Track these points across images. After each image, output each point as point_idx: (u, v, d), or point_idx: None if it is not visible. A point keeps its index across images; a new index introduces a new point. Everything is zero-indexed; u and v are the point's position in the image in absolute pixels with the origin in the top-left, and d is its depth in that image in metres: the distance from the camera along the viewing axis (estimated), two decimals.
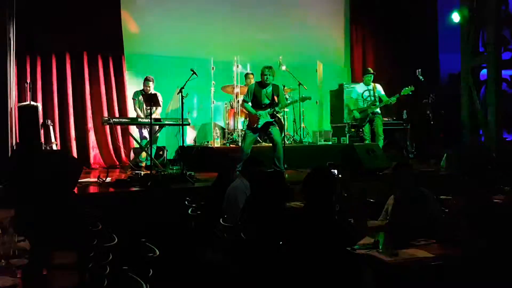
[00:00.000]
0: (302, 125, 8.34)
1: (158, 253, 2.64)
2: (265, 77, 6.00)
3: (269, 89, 6.11)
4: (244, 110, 6.38)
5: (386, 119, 8.56)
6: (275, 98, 6.14)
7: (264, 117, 6.08)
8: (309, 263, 2.63)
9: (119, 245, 3.00)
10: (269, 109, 6.09)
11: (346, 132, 8.20)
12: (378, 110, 7.35)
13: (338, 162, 5.42)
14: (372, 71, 7.53)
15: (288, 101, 6.79)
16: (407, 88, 7.08)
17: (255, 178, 3.37)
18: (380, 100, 7.30)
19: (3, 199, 4.53)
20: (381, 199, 4.40)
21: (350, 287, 2.72)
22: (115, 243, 3.09)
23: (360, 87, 7.53)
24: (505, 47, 8.24)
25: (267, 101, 6.11)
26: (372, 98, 7.32)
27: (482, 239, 2.80)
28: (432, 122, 8.13)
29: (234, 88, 7.88)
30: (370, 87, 7.39)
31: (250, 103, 6.19)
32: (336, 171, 3.64)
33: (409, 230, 3.35)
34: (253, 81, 7.29)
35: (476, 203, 3.10)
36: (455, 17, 8.32)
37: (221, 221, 3.62)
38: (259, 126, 6.06)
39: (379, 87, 7.42)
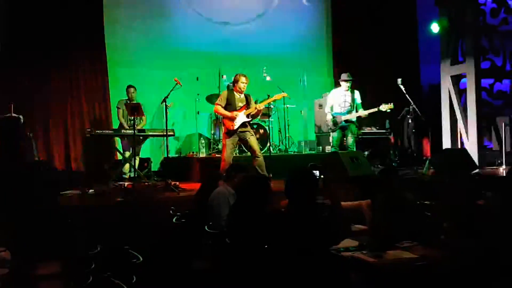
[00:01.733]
0: (287, 134, 8.39)
1: (141, 259, 2.61)
2: (243, 85, 6.03)
3: (242, 96, 6.15)
4: (218, 112, 6.29)
5: (369, 128, 8.67)
6: (248, 102, 6.15)
7: (239, 116, 6.06)
8: (295, 264, 2.63)
9: (103, 254, 2.95)
10: (244, 111, 6.09)
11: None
12: (353, 119, 7.10)
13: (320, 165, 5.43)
14: (350, 77, 7.21)
15: (269, 100, 6.69)
16: (386, 105, 6.97)
17: (239, 183, 3.36)
18: (356, 109, 7.11)
19: None
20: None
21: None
22: (98, 252, 3.05)
23: (336, 92, 7.26)
24: (484, 57, 8.42)
25: (240, 105, 6.12)
26: (348, 104, 7.10)
27: (467, 240, 2.84)
28: (414, 130, 8.22)
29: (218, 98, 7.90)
30: (347, 93, 7.14)
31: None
32: (318, 172, 3.67)
33: (392, 234, 3.38)
34: None
35: (460, 205, 3.15)
36: (434, 27, 8.49)
37: (206, 228, 3.61)
38: (236, 127, 6.03)
39: (357, 94, 7.20)
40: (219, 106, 6.10)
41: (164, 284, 3.31)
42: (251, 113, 6.10)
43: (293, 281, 2.65)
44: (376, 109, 7.06)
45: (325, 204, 2.92)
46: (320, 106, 8.51)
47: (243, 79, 6.05)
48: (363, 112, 7.07)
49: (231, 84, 6.36)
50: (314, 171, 3.64)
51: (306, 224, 2.61)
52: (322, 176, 3.70)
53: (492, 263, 2.43)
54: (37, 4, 7.35)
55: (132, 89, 7.33)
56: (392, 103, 7.01)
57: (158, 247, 3.86)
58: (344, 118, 7.04)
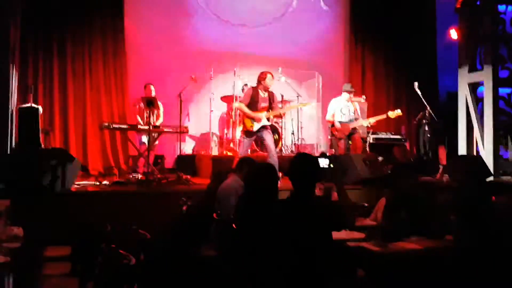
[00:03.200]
0: (301, 137, 8.40)
1: (149, 236, 2.67)
2: (270, 82, 6.11)
3: (266, 94, 6.20)
4: (240, 110, 6.37)
5: (384, 134, 8.63)
6: (272, 103, 6.21)
7: (261, 120, 6.11)
8: (300, 252, 2.64)
9: (112, 232, 3.02)
10: (265, 112, 6.14)
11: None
12: (365, 123, 7.28)
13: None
14: (352, 88, 7.36)
15: (287, 106, 6.79)
16: (394, 112, 7.02)
17: (248, 172, 3.40)
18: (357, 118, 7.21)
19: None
20: (374, 204, 4.46)
21: (343, 277, 2.73)
22: (109, 231, 3.11)
23: (339, 101, 7.30)
24: (503, 66, 8.34)
25: (263, 105, 6.18)
26: (352, 114, 7.19)
27: (473, 232, 2.82)
28: (429, 136, 8.16)
29: (233, 98, 7.98)
30: (349, 103, 7.26)
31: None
32: (327, 160, 3.69)
33: (400, 229, 3.38)
34: None
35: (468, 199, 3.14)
36: (453, 34, 8.44)
37: (214, 216, 3.66)
38: (255, 129, 6.08)
39: (357, 105, 7.35)
40: (243, 105, 6.15)
41: (170, 267, 3.35)
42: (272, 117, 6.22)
43: (298, 269, 2.67)
44: (384, 116, 7.08)
45: (329, 188, 2.94)
46: None
47: (269, 76, 6.11)
48: (371, 120, 7.12)
49: (251, 83, 6.40)
50: (324, 159, 3.66)
51: (309, 209, 2.62)
52: (331, 165, 3.71)
53: (494, 252, 2.42)
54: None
55: (150, 87, 7.44)
56: (399, 110, 7.05)
57: (167, 234, 3.90)
58: (351, 126, 7.11)
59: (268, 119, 6.17)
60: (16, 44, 6.04)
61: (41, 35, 7.60)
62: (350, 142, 7.16)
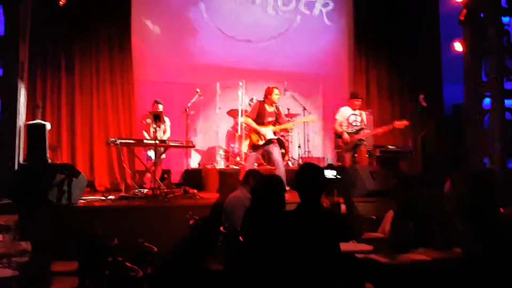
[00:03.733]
0: (307, 150, 8.41)
1: (156, 250, 2.67)
2: (277, 97, 6.15)
3: (273, 109, 6.25)
4: (247, 125, 6.43)
5: (390, 146, 8.60)
6: (278, 118, 6.25)
7: (267, 134, 6.15)
8: (307, 263, 2.63)
9: (120, 246, 3.02)
10: (272, 127, 6.19)
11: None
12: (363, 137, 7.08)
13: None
14: (360, 97, 7.28)
15: (293, 120, 6.82)
16: (400, 122, 6.96)
17: (255, 183, 3.40)
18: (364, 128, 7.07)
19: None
20: (382, 217, 4.45)
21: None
22: (116, 245, 3.12)
23: (346, 110, 7.16)
24: (508, 77, 8.33)
25: (270, 120, 6.22)
26: (359, 124, 7.07)
27: (481, 244, 2.80)
28: (435, 148, 8.12)
29: (239, 112, 8.02)
30: (357, 112, 7.12)
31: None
32: (335, 172, 3.69)
33: (409, 241, 3.36)
34: None
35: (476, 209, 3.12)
36: (457, 46, 8.46)
37: (221, 229, 3.65)
38: (261, 143, 6.12)
39: (364, 115, 7.22)
40: (250, 119, 6.23)
41: (178, 281, 3.34)
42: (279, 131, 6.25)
43: (306, 281, 2.65)
44: (391, 127, 7.06)
45: (337, 202, 2.94)
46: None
47: (275, 90, 6.21)
48: (377, 131, 7.08)
49: (263, 97, 6.42)
50: (331, 171, 3.66)
51: (316, 220, 2.61)
52: (339, 176, 3.72)
53: (502, 263, 2.40)
54: (68, 15, 7.62)
55: (158, 105, 7.46)
56: (406, 120, 7.00)
57: (174, 247, 3.90)
58: (357, 137, 6.98)
59: (274, 133, 6.21)
60: (25, 61, 6.13)
61: (50, 52, 7.73)
62: (355, 154, 7.10)
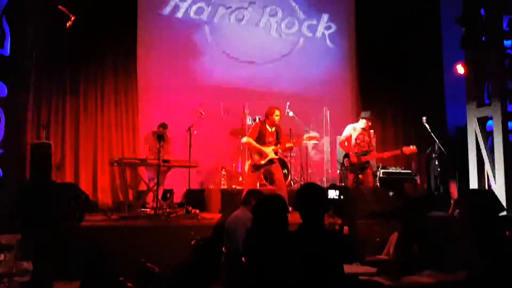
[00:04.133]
0: (310, 171, 8.39)
1: (157, 270, 2.65)
2: (277, 118, 6.19)
3: (274, 129, 6.29)
4: (248, 145, 6.44)
5: (394, 168, 8.57)
6: (279, 138, 6.28)
7: (269, 153, 6.16)
8: (312, 283, 2.60)
9: (121, 266, 3.00)
10: (273, 146, 6.20)
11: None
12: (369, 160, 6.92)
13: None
14: (371, 116, 7.00)
15: (293, 140, 6.82)
16: (409, 148, 6.87)
17: (256, 203, 3.38)
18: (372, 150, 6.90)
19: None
20: (387, 239, 4.40)
21: None
22: (117, 265, 3.10)
23: (354, 129, 6.95)
24: (511, 100, 8.35)
25: (271, 140, 6.25)
26: (367, 144, 6.87)
27: (487, 267, 2.77)
28: (439, 170, 8.09)
29: (242, 132, 8.05)
30: (366, 132, 6.94)
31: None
32: (337, 192, 3.67)
33: (413, 264, 3.32)
34: None
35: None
36: (460, 69, 8.51)
37: (223, 250, 3.63)
38: (263, 162, 6.13)
39: (372, 134, 7.08)
40: (250, 139, 6.25)
41: None
42: (280, 151, 6.26)
43: None
44: (399, 152, 7.00)
45: (338, 223, 2.92)
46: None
47: (276, 111, 6.25)
48: (384, 154, 7.04)
49: (264, 118, 6.45)
50: (334, 191, 3.65)
51: (318, 241, 2.59)
52: (342, 197, 3.69)
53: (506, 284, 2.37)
54: (74, 37, 7.72)
55: (165, 129, 7.49)
56: (415, 146, 6.93)
57: (176, 268, 3.86)
58: (364, 159, 6.83)
59: (276, 153, 6.22)
60: (30, 82, 6.20)
61: (55, 73, 7.82)
62: (360, 175, 7.04)
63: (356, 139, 6.85)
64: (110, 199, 7.86)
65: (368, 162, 6.90)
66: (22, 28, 5.84)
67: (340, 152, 8.73)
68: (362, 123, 6.95)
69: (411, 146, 6.94)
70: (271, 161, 6.18)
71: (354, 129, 6.96)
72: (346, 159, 6.84)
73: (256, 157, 6.18)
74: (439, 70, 10.22)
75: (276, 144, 6.26)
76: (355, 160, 6.76)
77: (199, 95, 8.71)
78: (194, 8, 9.11)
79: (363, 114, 7.10)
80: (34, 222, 4.45)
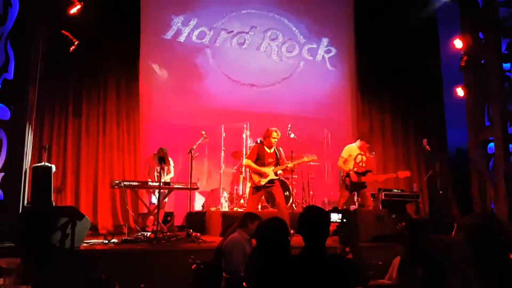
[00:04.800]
0: (311, 193, 8.37)
1: None
2: (274, 140, 6.20)
3: (273, 150, 6.30)
4: (248, 167, 6.45)
5: (396, 190, 8.53)
6: (279, 159, 6.28)
7: (269, 174, 6.15)
8: None
9: None
10: (273, 167, 6.20)
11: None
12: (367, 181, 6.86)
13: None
14: (368, 139, 7.12)
15: (292, 161, 6.79)
16: (404, 172, 6.93)
17: (258, 228, 3.36)
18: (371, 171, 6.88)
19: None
20: (389, 263, 4.36)
21: None
22: None
23: (353, 149, 6.97)
24: (511, 122, 8.36)
25: (270, 161, 6.25)
26: (365, 165, 6.86)
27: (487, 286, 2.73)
28: (441, 192, 8.06)
29: (243, 154, 8.06)
30: (363, 152, 6.92)
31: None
32: (340, 215, 3.64)
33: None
34: None
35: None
36: (459, 91, 8.56)
37: (224, 274, 3.59)
38: (263, 183, 6.11)
39: (370, 156, 7.08)
40: (250, 161, 6.26)
41: None
42: (280, 171, 6.25)
43: None
44: (394, 175, 7.02)
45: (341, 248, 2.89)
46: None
47: (274, 133, 6.26)
48: (380, 177, 7.04)
49: (262, 139, 6.49)
50: (337, 214, 3.62)
51: (321, 265, 2.56)
52: (344, 220, 3.67)
53: None
54: (77, 60, 7.81)
55: (163, 150, 7.51)
56: (409, 171, 7.01)
57: None
58: (363, 179, 6.80)
59: (276, 174, 6.21)
60: (33, 104, 6.24)
61: (58, 95, 7.88)
62: (358, 197, 6.99)
63: (355, 159, 6.86)
64: (110, 222, 7.81)
65: (365, 182, 6.85)
66: (26, 52, 5.91)
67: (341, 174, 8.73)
68: (358, 143, 7.00)
69: (406, 171, 7.01)
70: (271, 182, 6.17)
71: (353, 149, 6.99)
72: (348, 178, 6.79)
73: (255, 178, 6.17)
74: (439, 91, 10.29)
75: (276, 165, 6.26)
76: (356, 179, 6.74)
77: (200, 117, 8.76)
78: (196, 32, 9.24)
79: (362, 137, 7.20)
80: (34, 246, 4.42)
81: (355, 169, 6.78)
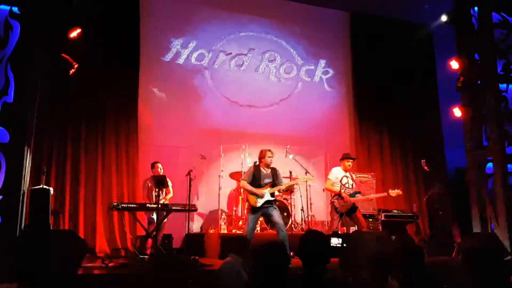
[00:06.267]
0: (311, 213, 8.33)
1: None
2: (270, 159, 6.22)
3: (269, 170, 6.30)
4: (243, 188, 6.46)
5: (396, 211, 8.51)
6: (275, 179, 6.27)
7: (265, 195, 6.14)
8: None
9: None
10: (269, 188, 6.19)
11: None
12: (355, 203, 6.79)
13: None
14: (352, 157, 7.08)
15: (290, 182, 6.79)
16: (394, 191, 6.90)
17: (254, 253, 3.33)
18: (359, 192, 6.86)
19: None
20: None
21: None
22: None
23: (339, 171, 6.92)
24: (509, 142, 8.39)
25: (267, 181, 6.24)
26: (351, 186, 6.83)
27: None
28: (440, 213, 8.03)
29: (241, 175, 8.05)
30: (348, 174, 6.91)
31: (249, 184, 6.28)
32: (340, 240, 3.62)
33: None
34: None
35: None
36: (456, 112, 8.60)
37: None
38: (259, 205, 6.09)
39: (354, 177, 7.03)
40: (245, 182, 6.26)
41: None
42: (276, 192, 6.24)
43: None
44: (385, 194, 7.02)
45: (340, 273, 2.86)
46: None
47: (268, 153, 6.28)
48: (370, 196, 7.02)
49: (257, 161, 6.51)
50: (337, 239, 3.61)
51: None
52: (345, 245, 3.64)
53: None
54: (77, 84, 7.84)
55: (158, 165, 7.55)
56: (399, 189, 6.97)
57: None
58: (353, 200, 6.74)
59: (272, 195, 6.19)
60: (32, 128, 6.26)
61: (57, 118, 7.89)
62: (348, 218, 6.81)
63: (341, 181, 6.82)
64: (108, 245, 7.75)
65: (355, 204, 6.77)
66: (26, 76, 5.96)
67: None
68: (346, 164, 6.93)
69: (396, 189, 6.95)
70: (268, 202, 6.15)
71: (338, 171, 6.96)
72: (341, 199, 6.70)
73: (252, 199, 6.16)
74: (437, 112, 10.35)
75: (272, 186, 6.24)
76: (348, 200, 6.69)
77: (199, 138, 8.79)
78: (195, 54, 9.34)
79: (343, 156, 7.09)
80: (31, 270, 4.38)
81: (343, 191, 6.75)
